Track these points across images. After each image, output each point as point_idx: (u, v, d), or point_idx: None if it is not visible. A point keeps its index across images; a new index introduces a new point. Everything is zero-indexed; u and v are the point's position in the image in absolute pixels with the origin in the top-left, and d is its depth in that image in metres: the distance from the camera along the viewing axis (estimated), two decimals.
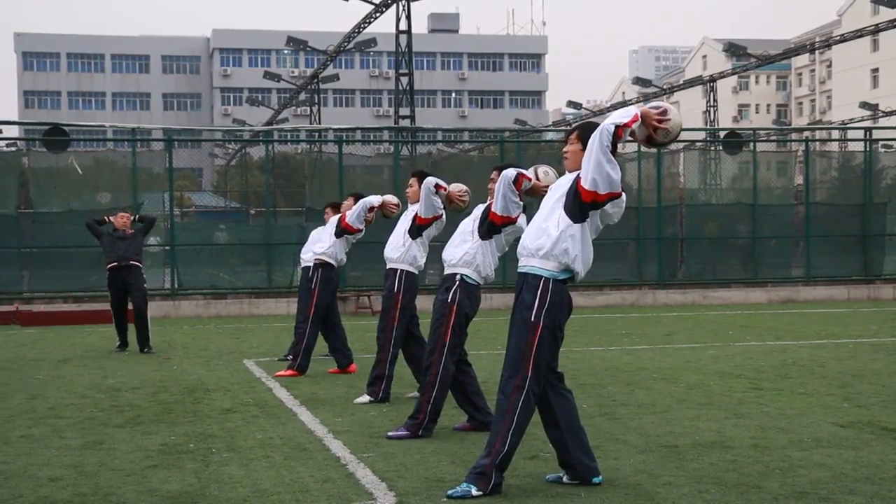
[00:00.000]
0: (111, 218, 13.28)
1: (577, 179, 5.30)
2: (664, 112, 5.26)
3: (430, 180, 8.06)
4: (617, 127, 5.16)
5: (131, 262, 12.94)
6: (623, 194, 5.33)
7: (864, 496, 5.21)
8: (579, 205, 5.29)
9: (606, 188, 5.21)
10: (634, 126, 5.20)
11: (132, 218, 13.54)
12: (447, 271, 7.14)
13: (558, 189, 5.46)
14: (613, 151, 5.19)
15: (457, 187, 8.08)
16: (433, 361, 7.02)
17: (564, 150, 5.58)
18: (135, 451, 6.50)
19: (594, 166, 5.19)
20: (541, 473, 5.74)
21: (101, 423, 7.58)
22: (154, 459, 6.25)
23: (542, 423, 5.56)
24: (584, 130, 5.40)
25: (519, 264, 5.47)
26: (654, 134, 5.28)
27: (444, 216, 8.31)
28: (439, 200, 8.09)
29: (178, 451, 6.51)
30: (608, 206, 5.31)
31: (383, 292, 8.51)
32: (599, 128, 5.21)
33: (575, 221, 5.31)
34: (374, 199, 10.02)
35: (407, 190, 8.60)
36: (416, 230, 8.32)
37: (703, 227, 23.44)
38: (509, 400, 5.29)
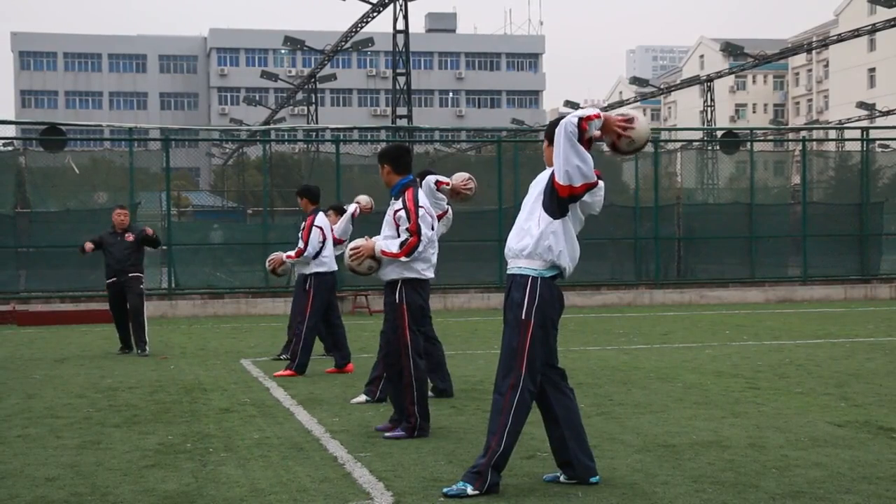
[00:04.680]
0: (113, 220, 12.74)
1: (552, 176, 5.30)
2: (630, 120, 5.25)
3: (430, 179, 7.87)
4: (580, 119, 5.15)
5: (130, 276, 12.81)
6: (600, 182, 5.32)
7: (860, 495, 5.22)
8: (557, 200, 5.29)
9: (580, 179, 5.21)
10: (597, 122, 5.18)
11: (147, 234, 12.77)
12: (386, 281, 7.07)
13: (536, 186, 5.46)
14: (585, 144, 5.17)
15: (460, 177, 8.02)
16: (403, 364, 7.02)
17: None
18: (132, 451, 6.50)
19: (563, 160, 5.19)
20: (538, 473, 5.74)
21: (98, 423, 7.58)
22: (151, 459, 6.25)
23: (543, 421, 5.56)
24: (549, 129, 5.40)
25: (507, 266, 5.48)
26: (617, 141, 5.28)
27: (450, 212, 8.31)
28: (441, 195, 7.99)
29: (175, 450, 6.50)
30: (586, 197, 5.32)
31: (385, 307, 8.31)
32: (563, 122, 5.20)
33: (555, 218, 5.32)
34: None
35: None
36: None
37: (700, 226, 23.44)
38: (504, 399, 5.30)
